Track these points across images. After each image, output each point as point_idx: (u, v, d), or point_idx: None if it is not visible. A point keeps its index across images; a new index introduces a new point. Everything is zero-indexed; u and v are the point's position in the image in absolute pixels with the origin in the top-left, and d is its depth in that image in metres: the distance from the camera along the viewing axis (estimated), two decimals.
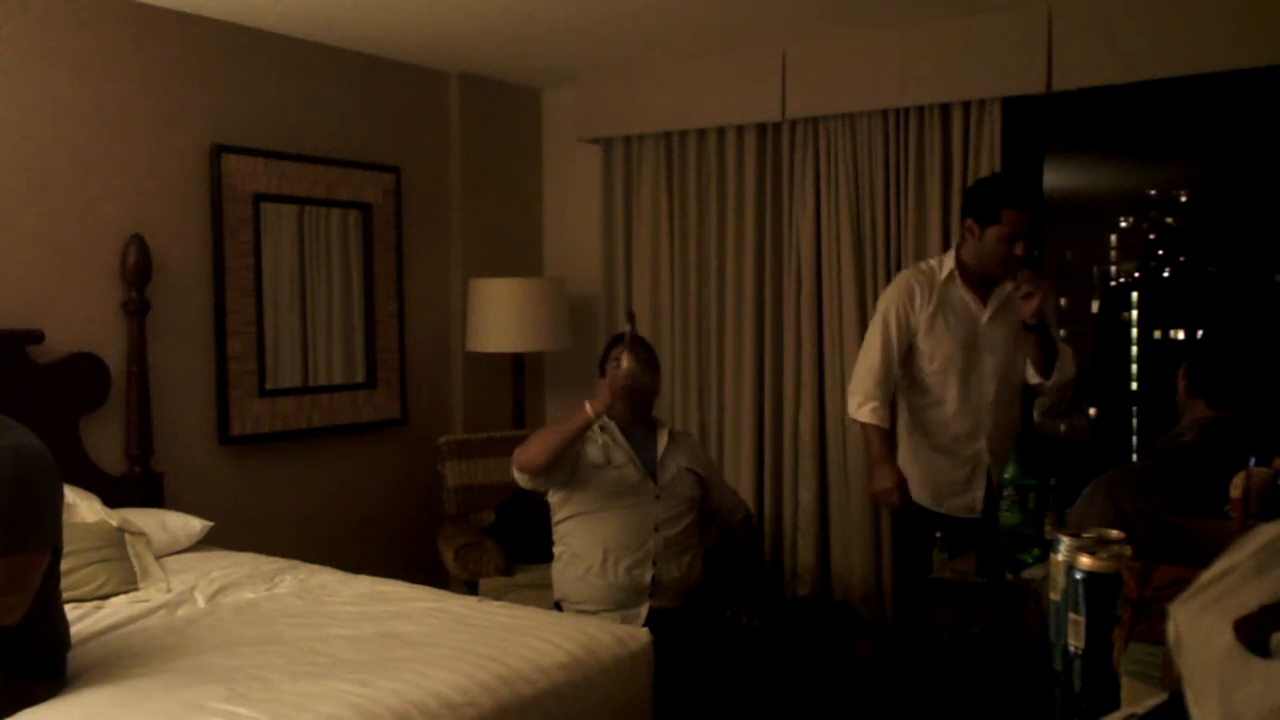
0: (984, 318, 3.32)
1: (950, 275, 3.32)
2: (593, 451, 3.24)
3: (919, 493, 3.42)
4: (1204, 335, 2.60)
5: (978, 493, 3.38)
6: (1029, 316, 3.20)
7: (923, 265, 3.42)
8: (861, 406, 3.36)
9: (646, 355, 3.28)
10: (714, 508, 3.46)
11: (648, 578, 3.18)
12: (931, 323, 3.32)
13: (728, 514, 3.50)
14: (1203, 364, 2.18)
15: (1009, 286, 3.24)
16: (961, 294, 3.33)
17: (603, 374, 3.33)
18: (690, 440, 3.59)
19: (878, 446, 3.36)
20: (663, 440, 3.34)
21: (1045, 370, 3.31)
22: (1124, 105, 4.01)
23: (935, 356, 3.34)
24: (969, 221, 3.28)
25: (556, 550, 3.32)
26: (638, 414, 3.32)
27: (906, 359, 3.37)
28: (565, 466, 3.17)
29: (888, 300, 3.37)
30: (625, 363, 3.09)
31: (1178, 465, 2.05)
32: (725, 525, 3.52)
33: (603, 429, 3.27)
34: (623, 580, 3.17)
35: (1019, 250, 3.18)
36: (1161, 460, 2.12)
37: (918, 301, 3.32)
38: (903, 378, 3.41)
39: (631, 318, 3.31)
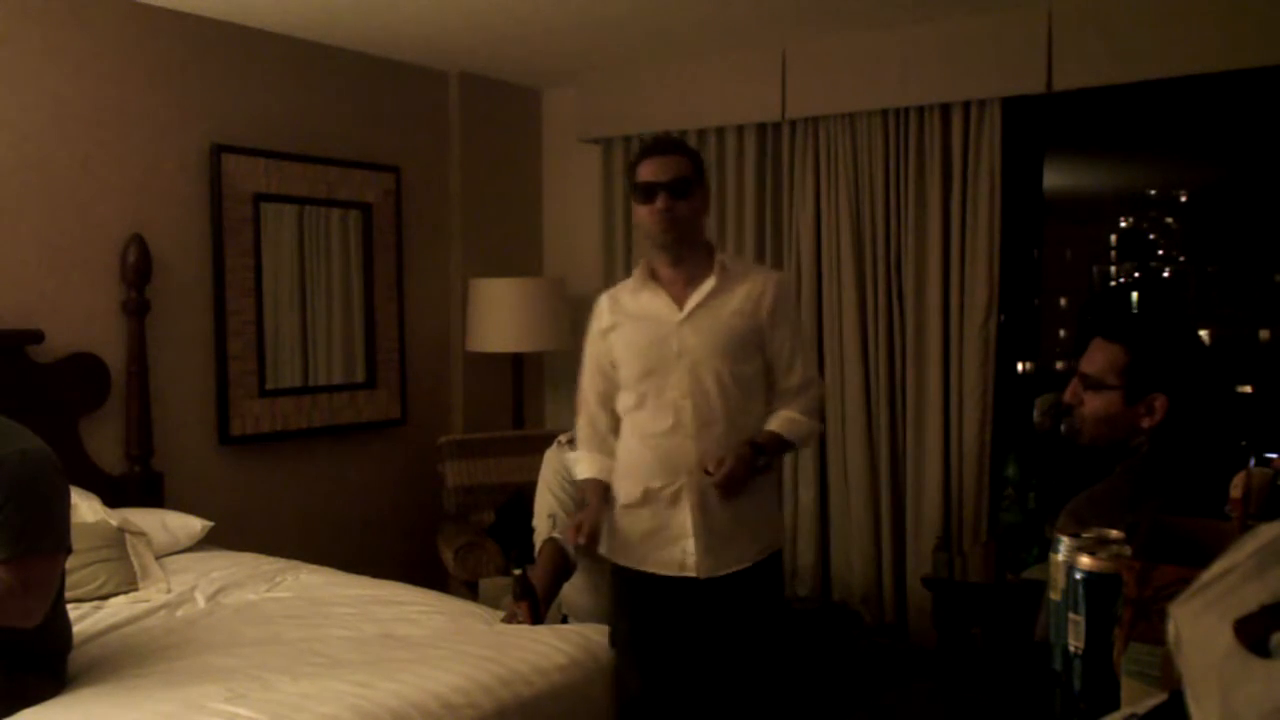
0: (678, 318, 2.59)
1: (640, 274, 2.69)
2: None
3: (613, 547, 2.64)
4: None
5: (686, 542, 2.56)
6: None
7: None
8: None
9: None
10: None
11: None
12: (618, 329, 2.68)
13: None
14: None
15: (710, 282, 2.59)
16: (651, 294, 2.65)
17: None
18: None
19: None
20: None
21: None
22: (1124, 105, 4.01)
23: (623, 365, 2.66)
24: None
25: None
26: None
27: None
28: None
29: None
30: (522, 619, 2.73)
31: (1140, 477, 1.94)
32: None
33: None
34: None
35: (661, 204, 2.54)
36: (1125, 476, 1.98)
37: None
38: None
39: (515, 557, 2.82)
